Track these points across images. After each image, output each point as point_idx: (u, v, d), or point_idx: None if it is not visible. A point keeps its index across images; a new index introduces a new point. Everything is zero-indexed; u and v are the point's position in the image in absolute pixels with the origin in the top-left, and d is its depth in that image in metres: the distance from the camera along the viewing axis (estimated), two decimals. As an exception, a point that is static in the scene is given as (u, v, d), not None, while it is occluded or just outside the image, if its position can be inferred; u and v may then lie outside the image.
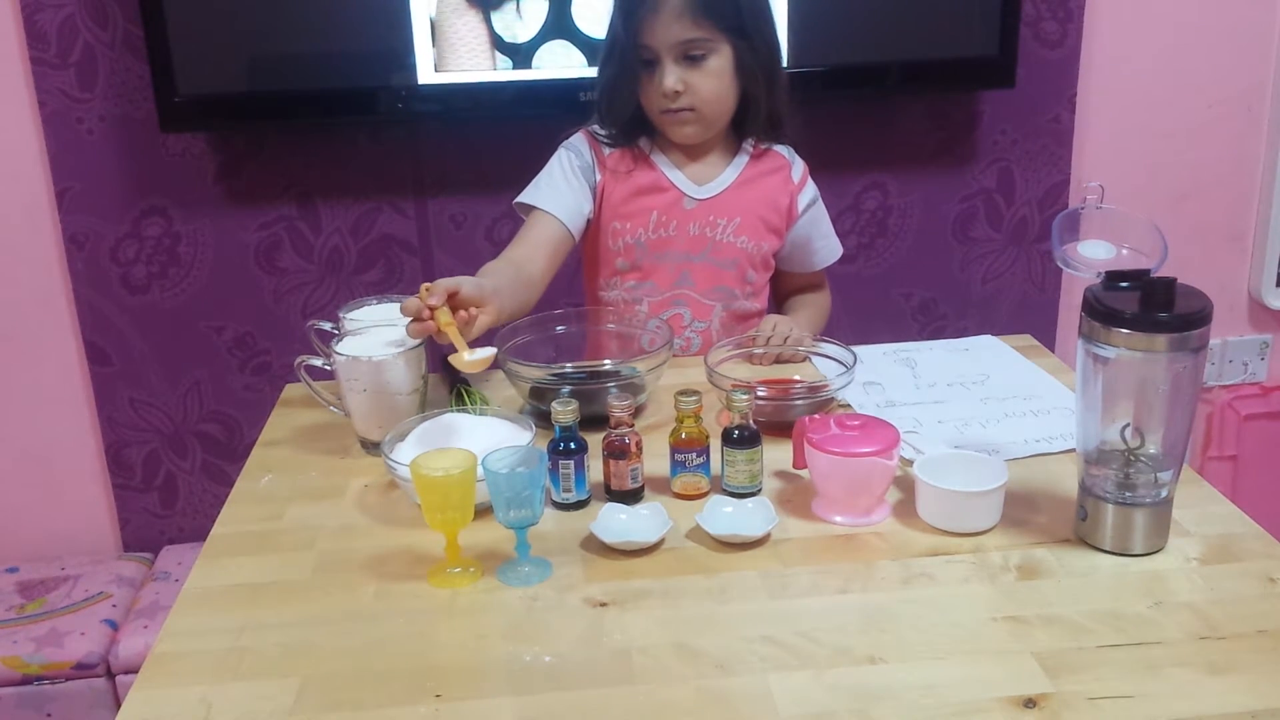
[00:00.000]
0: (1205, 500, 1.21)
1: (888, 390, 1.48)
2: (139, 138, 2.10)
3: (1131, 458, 1.09)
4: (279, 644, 1.01)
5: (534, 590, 1.07)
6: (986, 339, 1.66)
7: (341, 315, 1.45)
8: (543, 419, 1.30)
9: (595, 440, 1.22)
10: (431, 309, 1.27)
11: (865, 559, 1.11)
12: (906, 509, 1.19)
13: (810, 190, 1.74)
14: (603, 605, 1.05)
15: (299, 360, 1.40)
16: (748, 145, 1.69)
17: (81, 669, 1.96)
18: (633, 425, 1.22)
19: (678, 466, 1.23)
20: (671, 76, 1.56)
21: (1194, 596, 1.04)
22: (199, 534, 1.86)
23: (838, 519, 1.18)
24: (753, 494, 1.22)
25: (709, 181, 1.67)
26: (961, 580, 1.07)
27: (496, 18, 2.02)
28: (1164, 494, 1.10)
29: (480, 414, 1.31)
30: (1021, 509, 1.18)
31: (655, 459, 1.25)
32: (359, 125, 2.15)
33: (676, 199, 1.66)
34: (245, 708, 0.93)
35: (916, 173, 2.29)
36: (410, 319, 1.28)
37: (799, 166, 1.73)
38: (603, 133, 1.67)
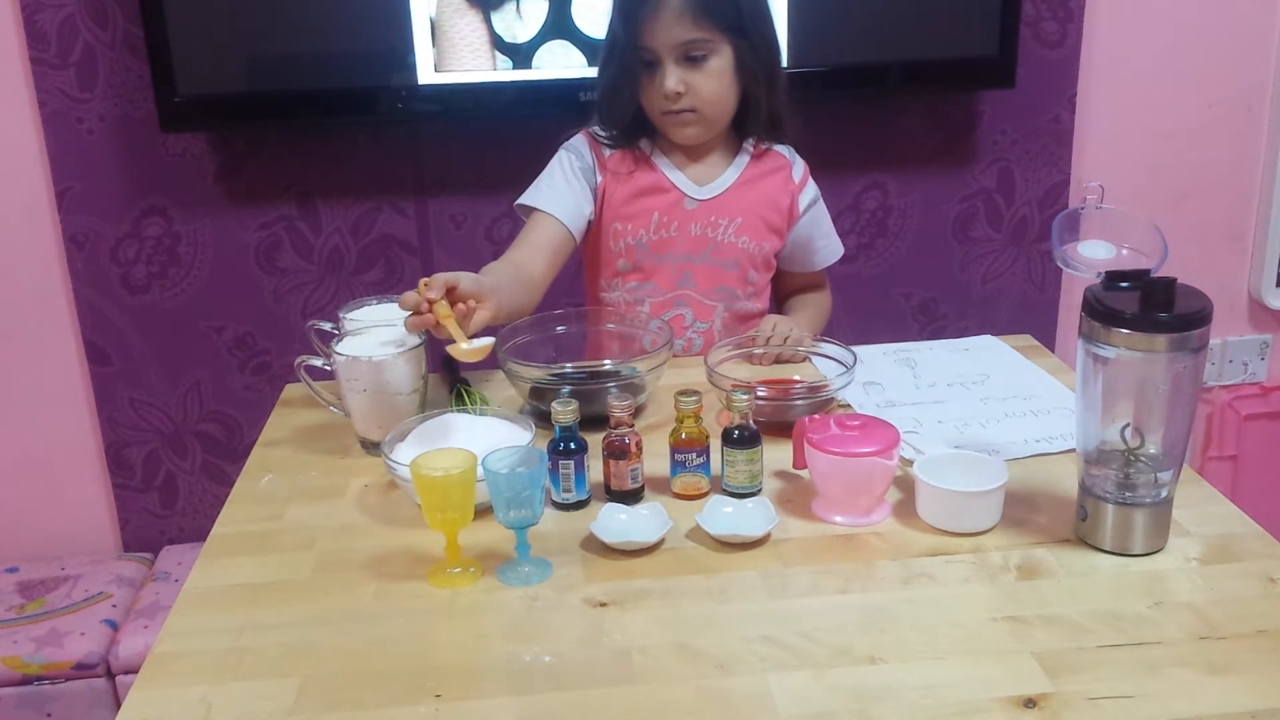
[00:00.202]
0: (1205, 500, 1.21)
1: (888, 390, 1.48)
2: (139, 138, 2.10)
3: (1131, 458, 1.09)
4: (279, 644, 1.01)
5: (534, 590, 1.07)
6: (986, 339, 1.66)
7: (341, 315, 1.45)
8: (543, 419, 1.30)
9: (595, 440, 1.22)
10: (430, 302, 1.27)
11: (865, 559, 1.11)
12: (906, 509, 1.19)
13: (811, 190, 1.74)
14: (603, 605, 1.05)
15: (299, 360, 1.40)
16: (748, 145, 1.69)
17: (81, 669, 1.96)
18: (633, 425, 1.22)
19: (678, 466, 1.23)
20: (673, 78, 1.56)
21: (1194, 596, 1.04)
22: (199, 534, 1.86)
23: (838, 519, 1.18)
24: (753, 494, 1.22)
25: (710, 182, 1.67)
26: (961, 580, 1.07)
27: (496, 18, 2.02)
28: (1164, 494, 1.10)
29: (480, 414, 1.31)
30: (1021, 509, 1.18)
31: (655, 459, 1.25)
32: (359, 125, 2.15)
33: (677, 200, 1.66)
34: (245, 708, 0.93)
35: (916, 173, 2.29)
36: (409, 313, 1.28)
37: (800, 166, 1.73)
38: (603, 134, 1.67)
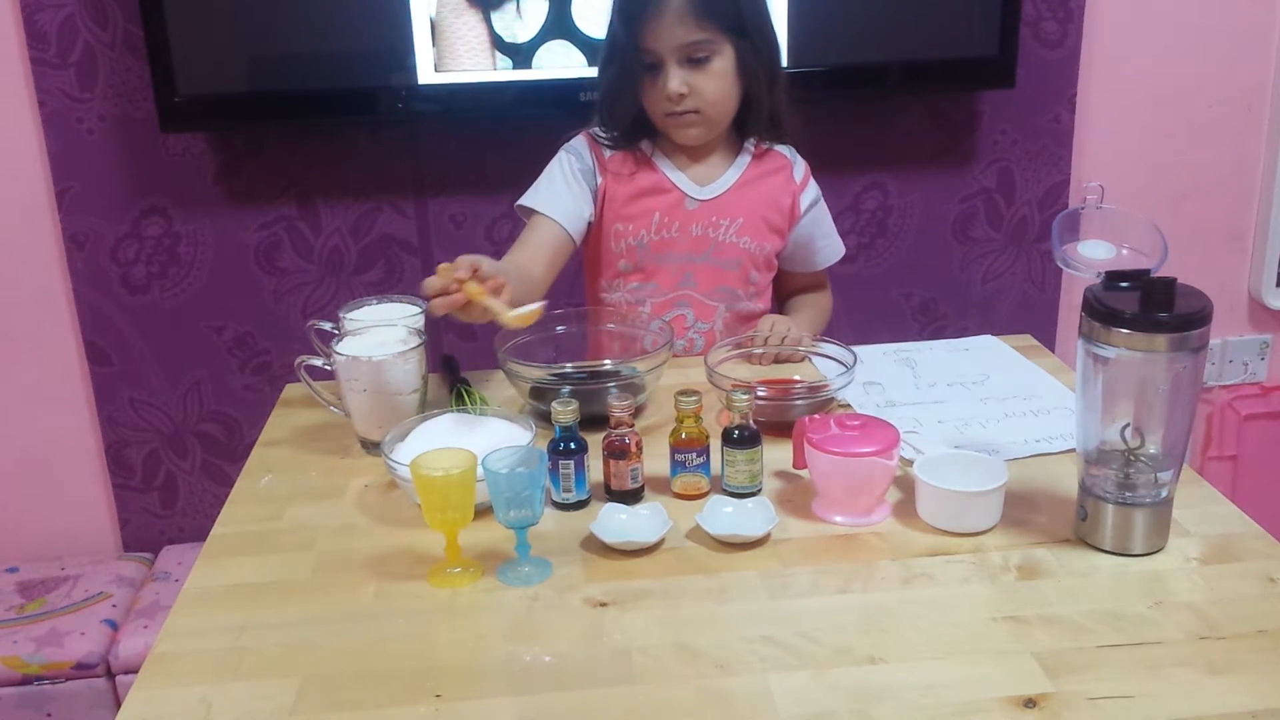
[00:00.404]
0: (1205, 500, 1.21)
1: (888, 390, 1.48)
2: (139, 138, 2.10)
3: (1131, 458, 1.09)
4: (279, 644, 1.01)
5: (534, 590, 1.07)
6: (986, 339, 1.66)
7: (341, 315, 1.45)
8: (543, 419, 1.30)
9: (595, 440, 1.22)
10: (460, 282, 1.26)
11: (865, 559, 1.11)
12: (906, 509, 1.19)
13: (813, 190, 1.74)
14: (603, 605, 1.05)
15: (299, 360, 1.40)
16: (749, 145, 1.69)
17: (81, 669, 1.96)
18: (633, 425, 1.22)
19: (678, 466, 1.23)
20: (675, 79, 1.56)
21: (1194, 596, 1.04)
22: (199, 534, 1.86)
23: (838, 519, 1.18)
24: (753, 494, 1.22)
25: (711, 182, 1.67)
26: (961, 580, 1.07)
27: (496, 18, 2.02)
28: (1164, 494, 1.10)
29: (480, 414, 1.31)
30: (1021, 509, 1.18)
31: (655, 459, 1.25)
32: (359, 125, 2.15)
33: (678, 200, 1.66)
34: (245, 708, 0.93)
35: (916, 173, 2.29)
36: (431, 296, 1.27)
37: (801, 166, 1.73)
38: (604, 135, 1.67)
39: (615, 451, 1.21)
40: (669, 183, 1.66)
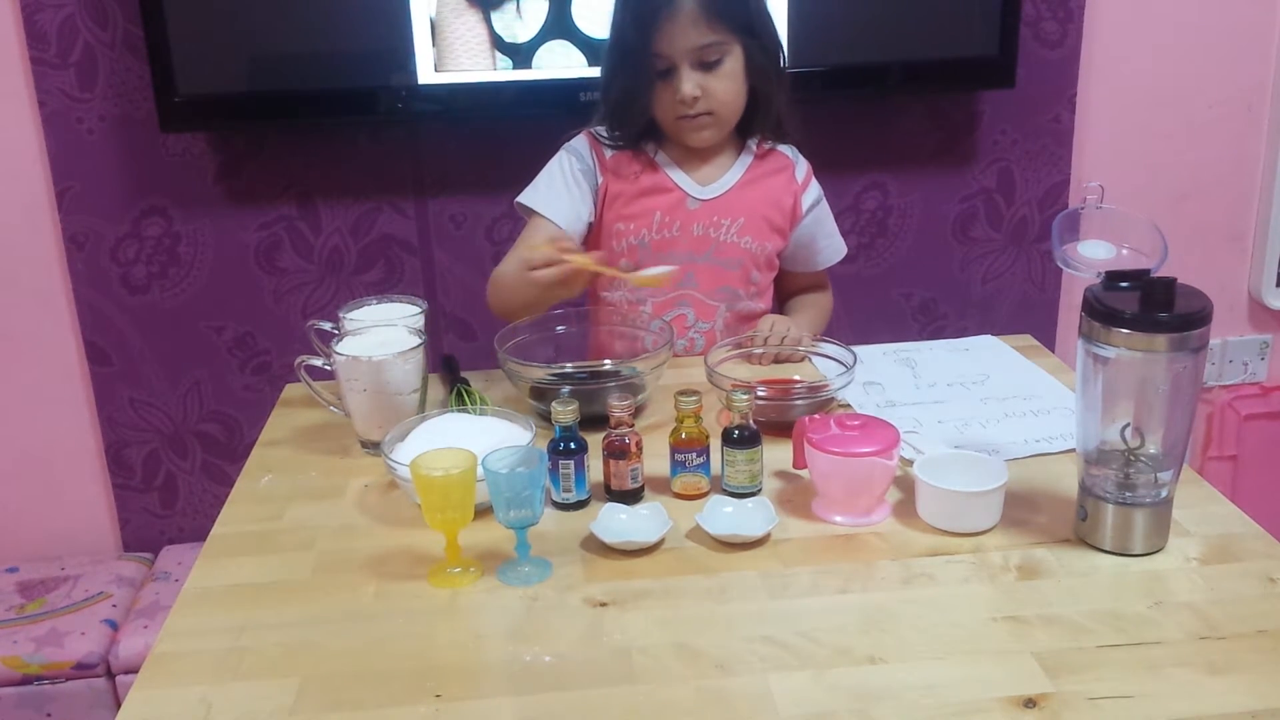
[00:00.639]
0: (1205, 500, 1.21)
1: (888, 390, 1.48)
2: (139, 138, 2.10)
3: (1131, 458, 1.09)
4: (279, 644, 1.01)
5: (534, 590, 1.07)
6: (986, 339, 1.66)
7: (341, 315, 1.45)
8: (543, 419, 1.30)
9: (595, 440, 1.22)
10: (566, 253, 1.38)
11: (865, 559, 1.11)
12: (906, 509, 1.19)
13: (814, 190, 1.74)
14: (603, 605, 1.05)
15: (299, 360, 1.40)
16: (751, 145, 1.69)
17: (81, 669, 1.96)
18: (633, 425, 1.22)
19: (678, 466, 1.23)
20: (690, 83, 1.56)
21: (1194, 596, 1.04)
22: (199, 534, 1.86)
23: (838, 519, 1.18)
24: (753, 494, 1.22)
25: (713, 182, 1.67)
26: (961, 580, 1.07)
27: (496, 18, 2.02)
28: (1164, 494, 1.10)
29: (480, 414, 1.31)
30: (1021, 509, 1.18)
31: (655, 459, 1.25)
32: (359, 125, 2.15)
33: (680, 199, 1.66)
34: (245, 708, 0.93)
35: (916, 173, 2.29)
36: (537, 267, 1.39)
37: (803, 166, 1.73)
38: (606, 136, 1.67)
39: (615, 451, 1.21)
40: (670, 182, 1.66)
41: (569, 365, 1.45)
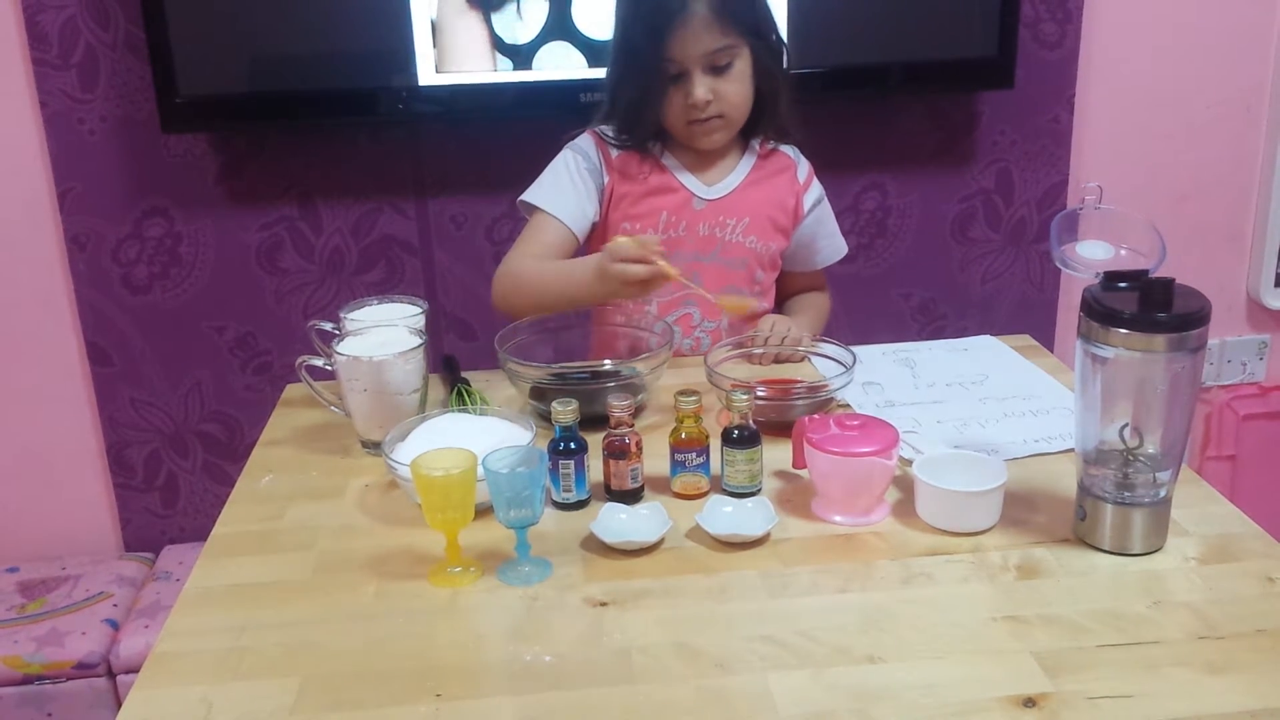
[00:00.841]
0: (1204, 500, 1.21)
1: (887, 390, 1.48)
2: (140, 138, 2.10)
3: (1130, 458, 1.09)
4: (279, 644, 1.01)
5: (534, 590, 1.08)
6: (986, 339, 1.66)
7: (342, 315, 1.45)
8: (543, 419, 1.30)
9: (595, 440, 1.22)
10: (654, 256, 1.38)
11: (865, 559, 1.11)
12: (906, 509, 1.19)
13: (816, 189, 1.74)
14: (603, 605, 1.05)
15: (300, 360, 1.40)
16: (755, 145, 1.70)
17: (82, 669, 1.97)
18: (633, 425, 1.22)
19: (678, 466, 1.24)
20: (702, 87, 1.56)
21: (1193, 596, 1.04)
22: (200, 534, 1.86)
23: (837, 519, 1.18)
24: (753, 494, 1.22)
25: (718, 182, 1.67)
26: (961, 580, 1.08)
27: (497, 19, 2.02)
28: (1163, 494, 1.10)
29: (480, 414, 1.31)
30: (1021, 509, 1.18)
31: (655, 459, 1.26)
32: (360, 126, 2.16)
33: (686, 200, 1.66)
34: (245, 708, 0.93)
35: (916, 173, 2.29)
36: (623, 260, 1.38)
37: (805, 166, 1.73)
38: (612, 136, 1.67)
39: (615, 451, 1.21)
40: (676, 182, 1.66)
41: (569, 365, 1.45)
